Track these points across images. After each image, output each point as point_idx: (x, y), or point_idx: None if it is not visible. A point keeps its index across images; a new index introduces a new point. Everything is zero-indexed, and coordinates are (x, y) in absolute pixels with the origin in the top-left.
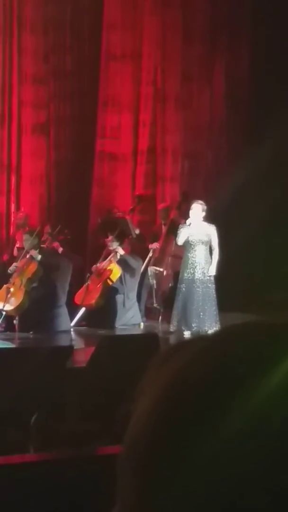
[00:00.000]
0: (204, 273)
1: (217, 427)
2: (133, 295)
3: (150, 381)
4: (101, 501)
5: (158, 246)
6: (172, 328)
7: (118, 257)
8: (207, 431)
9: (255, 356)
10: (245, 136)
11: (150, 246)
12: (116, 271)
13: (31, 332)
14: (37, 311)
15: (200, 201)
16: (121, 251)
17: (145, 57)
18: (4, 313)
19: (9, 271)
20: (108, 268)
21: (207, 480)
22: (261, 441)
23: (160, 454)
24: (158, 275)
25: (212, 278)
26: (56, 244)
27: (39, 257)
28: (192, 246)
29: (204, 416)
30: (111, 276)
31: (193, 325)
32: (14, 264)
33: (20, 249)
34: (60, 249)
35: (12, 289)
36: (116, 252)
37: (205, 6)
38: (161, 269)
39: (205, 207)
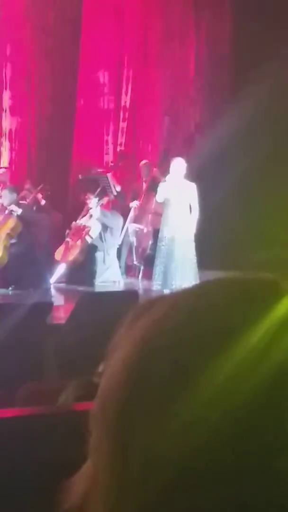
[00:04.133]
0: (184, 231)
1: (189, 382)
2: (113, 252)
3: (122, 338)
4: (74, 456)
5: (138, 204)
6: (152, 285)
7: (98, 214)
8: (178, 386)
9: (226, 310)
10: (226, 94)
11: (130, 204)
12: (95, 228)
13: (10, 288)
14: (17, 267)
15: (181, 158)
16: (98, 212)
17: (128, 13)
18: None
19: None
20: (88, 224)
21: (180, 435)
22: (235, 398)
23: (133, 410)
24: (138, 233)
25: (192, 236)
26: (38, 196)
27: (19, 211)
28: (172, 203)
29: (175, 371)
30: (90, 233)
31: (172, 282)
32: None
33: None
34: (43, 201)
35: None
36: (97, 206)
37: None
38: (142, 227)
39: (185, 165)
